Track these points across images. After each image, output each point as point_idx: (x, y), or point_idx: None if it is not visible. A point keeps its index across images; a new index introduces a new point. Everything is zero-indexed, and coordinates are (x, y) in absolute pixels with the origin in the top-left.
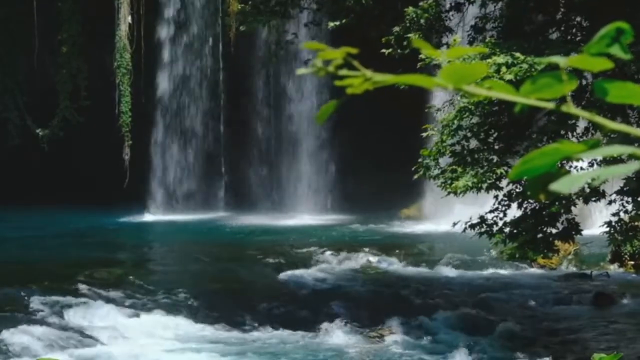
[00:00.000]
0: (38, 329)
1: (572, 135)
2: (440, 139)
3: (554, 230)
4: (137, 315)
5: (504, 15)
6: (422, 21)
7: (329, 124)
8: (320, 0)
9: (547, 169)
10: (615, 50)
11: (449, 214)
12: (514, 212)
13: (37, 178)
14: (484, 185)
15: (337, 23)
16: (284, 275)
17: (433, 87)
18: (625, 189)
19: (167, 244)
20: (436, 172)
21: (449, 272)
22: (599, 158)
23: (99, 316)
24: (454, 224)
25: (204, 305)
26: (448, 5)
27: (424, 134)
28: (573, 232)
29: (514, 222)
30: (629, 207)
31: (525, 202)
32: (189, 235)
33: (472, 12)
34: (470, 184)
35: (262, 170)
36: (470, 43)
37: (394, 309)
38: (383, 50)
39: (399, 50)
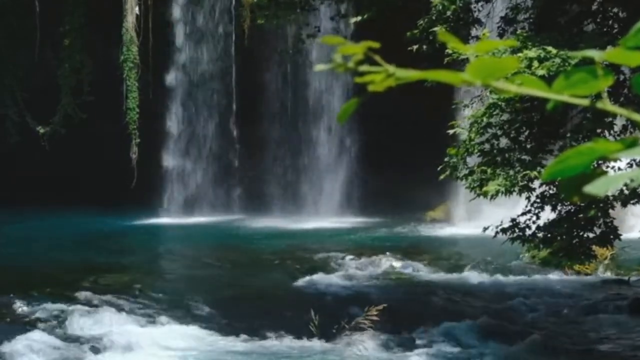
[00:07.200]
0: (39, 338)
1: (610, 134)
2: (469, 137)
3: (590, 235)
4: (146, 324)
5: (536, 5)
6: (448, 13)
7: (349, 122)
8: None
9: (582, 170)
10: None
11: (476, 216)
12: (547, 214)
13: (37, 178)
14: (516, 189)
15: (360, 18)
16: (302, 281)
17: (460, 83)
18: None
19: (178, 247)
20: (464, 172)
21: (477, 277)
22: (638, 158)
23: (105, 325)
24: (485, 229)
25: (218, 313)
26: None
27: (450, 132)
28: (611, 237)
29: (548, 226)
30: None
31: (560, 204)
32: (202, 238)
33: (502, 2)
34: (501, 187)
35: (279, 171)
36: (500, 36)
37: (420, 316)
38: (410, 48)
39: (424, 47)
